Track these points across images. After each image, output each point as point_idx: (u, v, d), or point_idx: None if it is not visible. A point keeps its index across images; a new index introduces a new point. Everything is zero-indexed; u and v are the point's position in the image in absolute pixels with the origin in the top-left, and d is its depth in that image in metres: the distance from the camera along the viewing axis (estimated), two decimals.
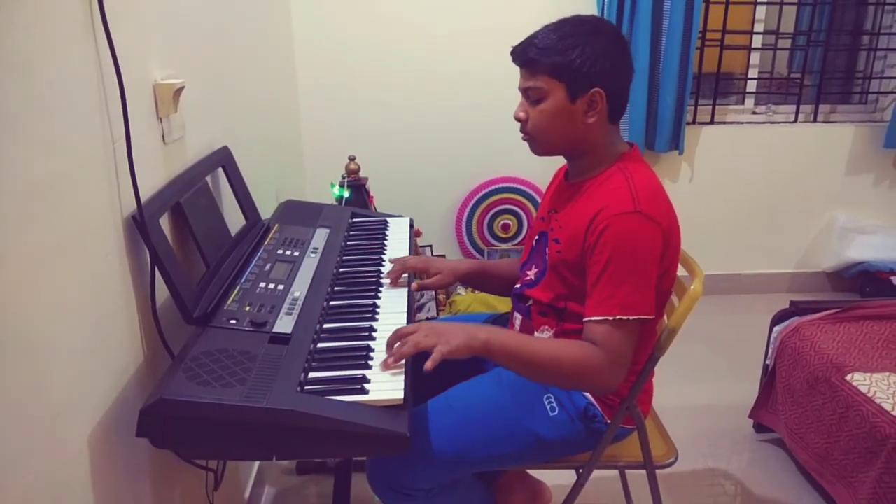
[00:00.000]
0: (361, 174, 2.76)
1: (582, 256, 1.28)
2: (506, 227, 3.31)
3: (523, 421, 1.35)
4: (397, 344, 1.16)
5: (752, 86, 3.35)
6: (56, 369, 0.91)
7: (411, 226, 1.85)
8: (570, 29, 1.27)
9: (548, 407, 1.36)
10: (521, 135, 1.36)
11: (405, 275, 1.50)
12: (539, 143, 1.35)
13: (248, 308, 1.24)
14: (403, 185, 3.17)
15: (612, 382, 1.24)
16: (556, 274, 1.35)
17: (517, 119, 1.34)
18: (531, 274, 1.44)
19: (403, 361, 1.14)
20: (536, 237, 1.46)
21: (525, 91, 1.32)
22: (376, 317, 1.32)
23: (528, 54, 1.28)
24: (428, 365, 1.13)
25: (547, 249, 1.39)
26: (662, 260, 1.26)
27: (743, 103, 3.37)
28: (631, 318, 1.22)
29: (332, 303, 1.36)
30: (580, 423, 1.37)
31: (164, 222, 1.24)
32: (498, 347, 1.22)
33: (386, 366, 1.12)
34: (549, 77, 1.27)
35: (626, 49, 1.31)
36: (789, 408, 2.06)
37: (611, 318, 1.21)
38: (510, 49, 1.32)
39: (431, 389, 1.42)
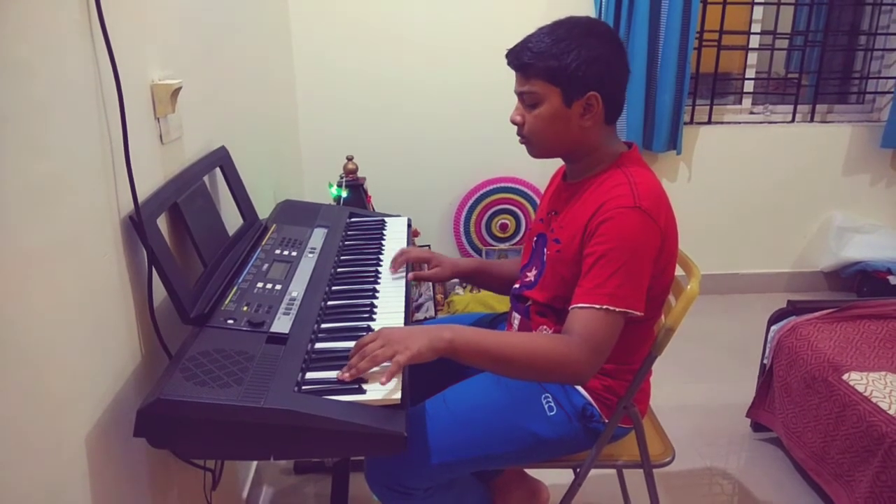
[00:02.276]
0: (359, 174, 2.76)
1: (580, 252, 1.28)
2: (504, 227, 3.31)
3: (521, 420, 1.36)
4: (355, 357, 1.11)
5: (749, 86, 3.35)
6: (53, 369, 0.91)
7: (409, 225, 1.85)
8: (564, 32, 1.26)
9: (545, 406, 1.37)
10: (518, 138, 1.36)
11: (404, 267, 1.52)
12: (536, 146, 1.35)
13: (245, 308, 1.24)
14: (401, 185, 3.17)
15: (586, 372, 1.21)
16: (555, 274, 1.35)
17: (513, 122, 1.34)
18: (531, 275, 1.44)
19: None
20: (535, 238, 1.46)
21: (520, 95, 1.31)
22: (374, 317, 1.32)
23: (522, 59, 1.27)
24: (383, 380, 1.07)
25: (546, 250, 1.39)
26: (659, 259, 1.26)
27: (740, 103, 3.38)
28: (617, 309, 1.20)
29: (329, 303, 1.36)
30: (578, 423, 1.37)
31: (162, 222, 1.24)
32: (464, 345, 1.17)
33: (342, 378, 1.08)
34: (543, 82, 1.26)
35: (622, 49, 1.30)
36: (786, 407, 2.06)
37: (597, 307, 1.20)
38: (505, 51, 1.32)
39: (429, 389, 1.42)
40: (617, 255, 1.21)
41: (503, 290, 1.63)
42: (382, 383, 1.07)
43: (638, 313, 1.23)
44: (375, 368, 1.10)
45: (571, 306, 1.24)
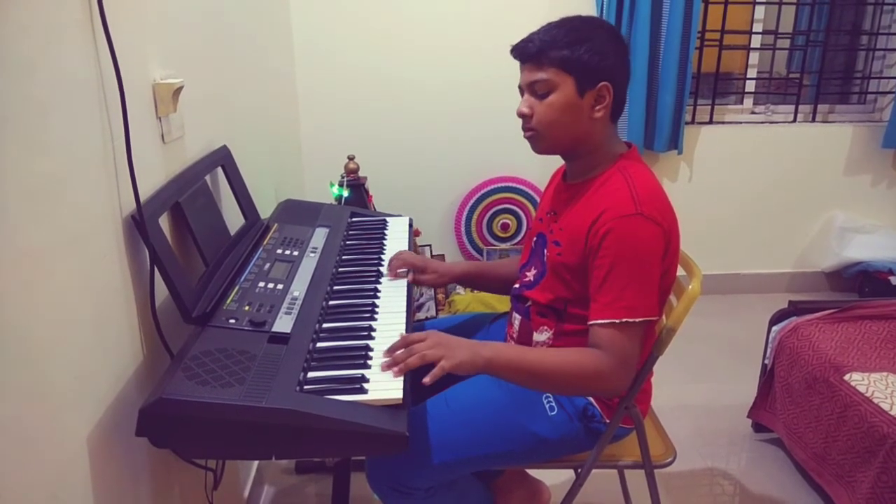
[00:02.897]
0: (360, 173, 2.76)
1: (583, 259, 1.28)
2: (505, 227, 3.31)
3: (522, 420, 1.36)
4: (400, 351, 1.15)
5: (750, 86, 3.35)
6: (55, 369, 0.91)
7: (410, 225, 1.85)
8: (574, 25, 1.28)
9: (546, 406, 1.37)
10: (524, 132, 1.35)
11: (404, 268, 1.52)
12: (543, 138, 1.32)
13: (247, 307, 1.24)
14: (403, 185, 3.17)
15: (620, 385, 1.25)
16: (556, 276, 1.35)
17: (521, 115, 1.32)
18: (530, 275, 1.44)
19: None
20: (535, 238, 1.46)
21: (531, 85, 1.30)
22: (375, 316, 1.32)
23: (535, 48, 1.27)
24: (426, 380, 1.13)
25: (546, 251, 1.39)
26: (663, 260, 1.26)
27: (742, 103, 3.37)
28: (637, 320, 1.22)
29: (331, 302, 1.36)
30: (579, 423, 1.37)
31: (164, 222, 1.24)
32: (502, 364, 1.23)
33: (394, 373, 1.12)
34: (557, 69, 1.26)
35: (627, 50, 1.32)
36: (788, 407, 2.06)
37: (617, 321, 1.21)
38: (511, 46, 1.32)
39: (430, 388, 1.41)
40: (626, 266, 1.22)
41: (502, 290, 1.63)
42: (426, 383, 1.11)
43: (656, 318, 1.25)
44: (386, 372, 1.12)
45: (591, 322, 1.25)
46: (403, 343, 1.18)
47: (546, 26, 1.29)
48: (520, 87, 1.33)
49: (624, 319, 1.21)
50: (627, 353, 1.22)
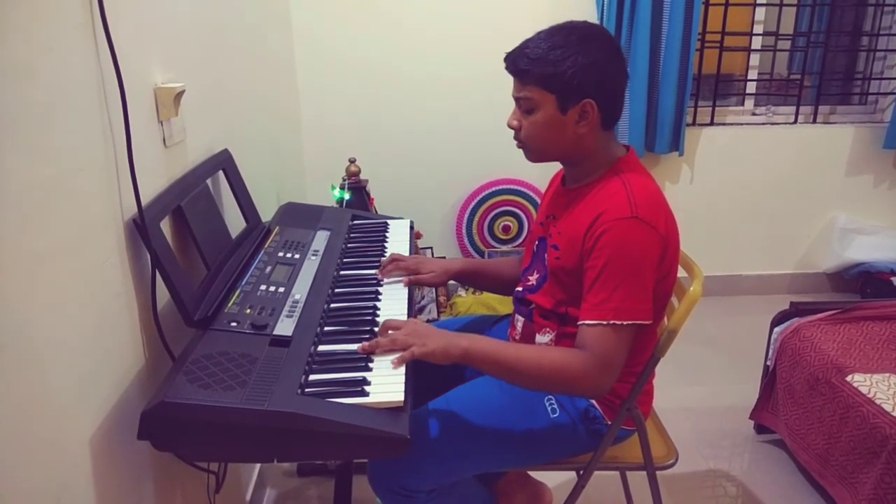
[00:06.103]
0: (362, 176, 2.76)
1: (580, 262, 1.28)
2: (506, 229, 3.31)
3: (524, 422, 1.36)
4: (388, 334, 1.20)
5: (751, 87, 3.35)
6: (57, 372, 0.91)
7: (412, 228, 1.85)
8: (561, 38, 1.25)
9: (548, 408, 1.37)
10: (515, 142, 1.36)
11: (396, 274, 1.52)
12: (532, 151, 1.35)
13: (248, 311, 1.24)
14: (404, 188, 3.17)
15: (598, 388, 1.23)
16: (557, 280, 1.35)
17: (510, 127, 1.34)
18: (533, 279, 1.44)
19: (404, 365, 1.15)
20: (536, 243, 1.46)
21: (517, 100, 1.31)
22: (377, 319, 1.32)
23: (518, 64, 1.27)
24: (394, 360, 1.15)
25: (546, 255, 1.39)
26: (661, 264, 1.26)
27: (743, 104, 3.37)
28: (625, 322, 1.21)
29: (332, 305, 1.36)
30: (581, 425, 1.37)
31: (165, 225, 1.24)
32: (479, 355, 1.21)
33: (362, 349, 1.17)
34: (539, 88, 1.26)
35: (619, 55, 1.29)
36: (790, 409, 2.06)
37: (604, 323, 1.21)
38: (504, 56, 1.32)
39: (432, 391, 1.42)
40: (618, 268, 1.21)
41: (498, 289, 1.64)
42: (395, 365, 1.13)
43: (647, 322, 1.23)
44: (388, 375, 1.13)
45: (579, 322, 1.24)
46: (383, 329, 1.22)
47: (535, 38, 1.28)
48: (512, 97, 1.34)
49: (611, 321, 1.20)
50: (611, 356, 1.21)
